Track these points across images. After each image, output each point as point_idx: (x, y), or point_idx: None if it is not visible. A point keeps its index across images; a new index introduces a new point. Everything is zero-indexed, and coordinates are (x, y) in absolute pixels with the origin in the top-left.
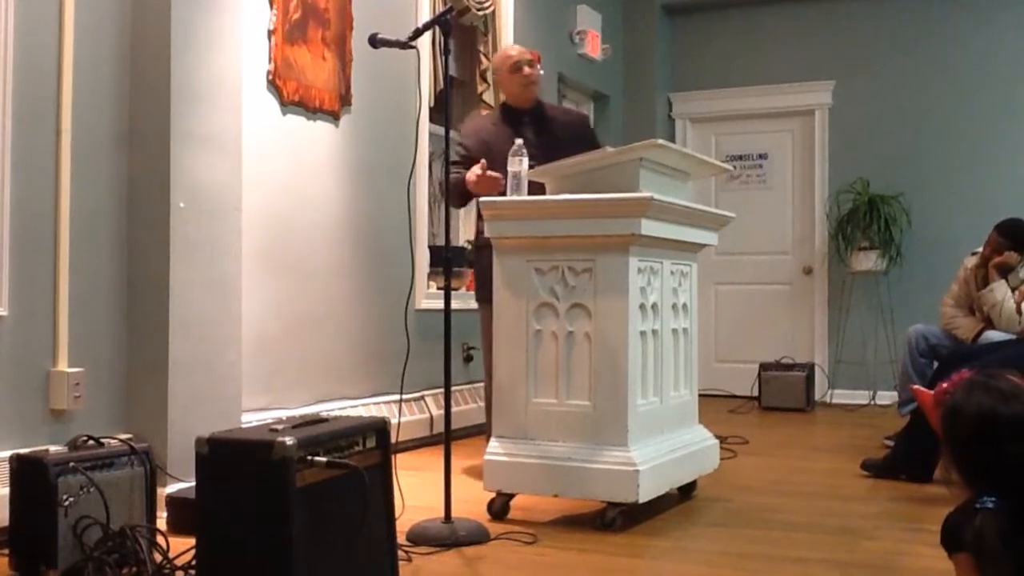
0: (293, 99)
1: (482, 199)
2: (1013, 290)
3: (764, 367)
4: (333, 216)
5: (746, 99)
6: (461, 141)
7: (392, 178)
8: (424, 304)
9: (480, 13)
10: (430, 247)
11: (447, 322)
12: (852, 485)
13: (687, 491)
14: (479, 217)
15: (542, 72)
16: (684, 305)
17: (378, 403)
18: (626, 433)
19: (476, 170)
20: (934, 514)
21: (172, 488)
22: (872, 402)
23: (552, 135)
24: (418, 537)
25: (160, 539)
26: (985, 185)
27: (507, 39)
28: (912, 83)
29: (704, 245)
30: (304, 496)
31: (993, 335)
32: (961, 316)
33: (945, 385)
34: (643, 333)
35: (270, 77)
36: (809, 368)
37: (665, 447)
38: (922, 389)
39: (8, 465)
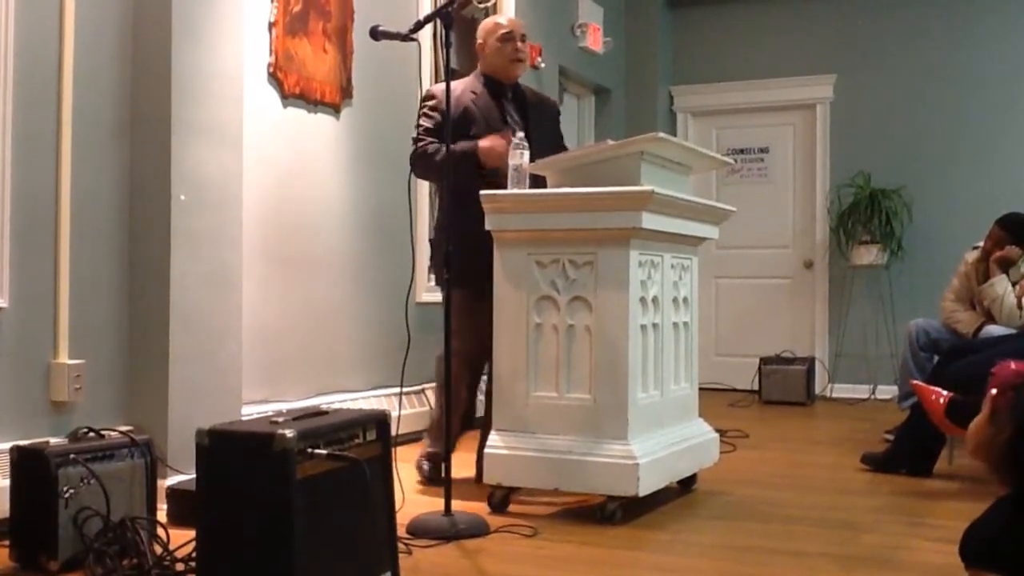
0: (294, 91)
1: (483, 192)
2: (1014, 284)
3: (764, 361)
4: (334, 209)
5: (747, 93)
6: (436, 106)
7: (393, 171)
8: (425, 297)
9: (481, 6)
10: (431, 240)
11: (447, 316)
12: (852, 479)
13: (687, 484)
14: (453, 199)
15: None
16: (685, 299)
17: (378, 396)
18: (626, 426)
19: (497, 140)
20: (934, 508)
21: (172, 480)
22: (872, 396)
23: (529, 118)
24: (418, 529)
25: (160, 531)
26: (986, 179)
27: None
28: (914, 77)
29: (705, 239)
30: (304, 488)
31: (994, 329)
32: (962, 310)
33: (1004, 379)
34: (644, 327)
35: (271, 69)
36: (809, 362)
37: (665, 440)
38: (923, 384)
39: (9, 456)
